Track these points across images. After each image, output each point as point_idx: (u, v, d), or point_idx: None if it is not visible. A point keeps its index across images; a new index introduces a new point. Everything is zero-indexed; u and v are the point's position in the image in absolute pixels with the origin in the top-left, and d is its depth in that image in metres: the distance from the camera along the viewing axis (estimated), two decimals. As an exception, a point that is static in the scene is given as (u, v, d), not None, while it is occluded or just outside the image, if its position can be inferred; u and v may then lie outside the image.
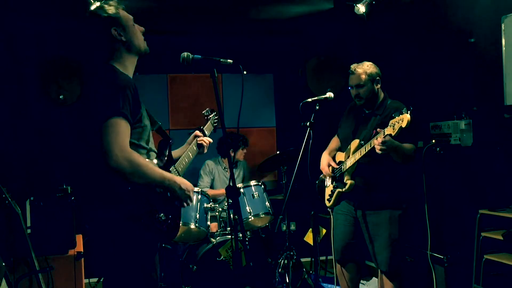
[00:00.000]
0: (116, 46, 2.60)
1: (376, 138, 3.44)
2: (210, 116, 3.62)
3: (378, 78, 3.87)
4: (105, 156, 2.33)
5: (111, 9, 2.60)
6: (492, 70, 4.57)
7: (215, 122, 3.61)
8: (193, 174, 5.89)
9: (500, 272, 4.22)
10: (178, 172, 2.85)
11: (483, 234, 4.24)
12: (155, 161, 2.66)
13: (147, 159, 2.54)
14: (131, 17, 2.68)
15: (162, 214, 2.52)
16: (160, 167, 2.61)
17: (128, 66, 2.64)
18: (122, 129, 2.37)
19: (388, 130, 3.36)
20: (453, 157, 4.88)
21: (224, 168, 5.90)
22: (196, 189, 4.95)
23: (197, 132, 3.24)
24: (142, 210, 2.44)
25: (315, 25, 6.35)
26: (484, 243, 4.26)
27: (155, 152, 2.68)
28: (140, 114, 2.52)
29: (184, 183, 2.62)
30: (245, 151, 5.86)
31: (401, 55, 5.77)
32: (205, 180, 5.82)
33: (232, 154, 5.64)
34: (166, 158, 2.73)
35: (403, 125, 3.24)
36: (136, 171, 2.39)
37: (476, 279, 4.31)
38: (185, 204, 2.65)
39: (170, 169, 2.75)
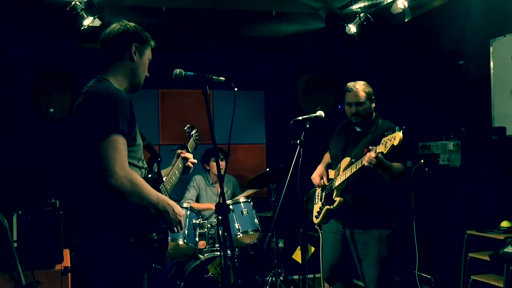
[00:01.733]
0: (123, 58, 2.59)
1: (368, 153, 3.45)
2: (192, 132, 3.61)
3: (373, 97, 3.91)
4: (105, 174, 2.29)
5: (144, 33, 2.66)
6: (481, 92, 4.63)
7: (196, 139, 3.61)
8: (180, 187, 5.88)
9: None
10: (166, 191, 2.83)
11: (470, 254, 4.26)
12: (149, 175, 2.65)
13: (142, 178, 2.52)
14: (151, 57, 2.73)
15: (154, 233, 2.50)
16: (152, 185, 2.59)
17: (122, 85, 2.61)
18: (121, 147, 2.34)
19: (380, 148, 3.38)
20: (441, 178, 4.92)
21: (212, 183, 5.90)
22: (185, 204, 4.94)
23: (179, 151, 3.22)
24: (134, 229, 2.41)
25: (307, 44, 6.41)
26: (471, 264, 4.28)
27: (146, 169, 2.67)
28: (135, 132, 2.50)
29: (177, 207, 2.60)
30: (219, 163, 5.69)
31: (391, 75, 5.84)
32: (191, 193, 5.82)
33: (224, 166, 5.59)
34: (155, 176, 2.72)
35: (395, 143, 3.26)
36: (135, 191, 2.36)
37: (463, 300, 4.32)
38: (174, 229, 2.61)
39: (160, 187, 2.73)
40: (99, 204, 2.42)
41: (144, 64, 2.68)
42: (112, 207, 2.39)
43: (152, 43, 2.72)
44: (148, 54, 2.70)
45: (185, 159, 3.16)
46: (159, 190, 2.65)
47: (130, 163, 2.46)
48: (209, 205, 5.59)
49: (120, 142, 2.34)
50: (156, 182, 2.69)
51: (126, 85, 2.64)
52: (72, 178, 2.56)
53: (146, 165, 2.68)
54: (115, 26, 2.63)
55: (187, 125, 3.65)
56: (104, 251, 2.41)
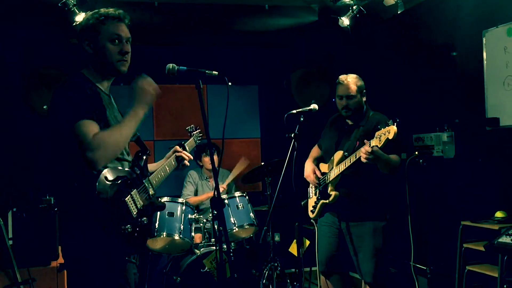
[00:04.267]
0: (87, 56, 2.60)
1: (363, 148, 3.45)
2: (194, 132, 3.59)
3: (364, 90, 3.91)
4: (82, 149, 2.32)
5: (90, 20, 2.59)
6: (474, 83, 4.64)
7: (198, 139, 3.58)
8: (177, 184, 5.88)
9: (482, 283, 4.26)
10: (151, 185, 2.82)
11: (465, 245, 4.28)
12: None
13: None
14: (116, 31, 2.60)
15: (128, 225, 2.47)
16: (134, 178, 2.60)
17: (97, 76, 2.63)
18: (92, 126, 2.38)
19: (375, 142, 3.37)
20: (435, 169, 4.93)
21: (206, 178, 5.90)
22: (180, 200, 4.94)
23: (177, 147, 3.19)
24: (109, 221, 2.40)
25: (300, 37, 6.40)
26: (466, 254, 4.30)
27: (129, 162, 2.67)
28: (105, 121, 2.51)
29: (140, 89, 2.63)
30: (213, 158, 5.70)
31: (385, 67, 5.84)
32: (188, 189, 5.82)
33: (217, 160, 5.61)
34: (139, 170, 2.70)
35: (390, 137, 3.26)
36: (112, 139, 2.40)
37: (458, 290, 4.35)
38: (153, 92, 2.67)
39: (144, 180, 2.72)
40: (75, 199, 2.41)
41: (104, 49, 2.57)
42: (86, 201, 2.37)
43: (111, 15, 2.60)
44: (106, 35, 2.57)
45: (180, 159, 3.15)
46: (142, 184, 2.67)
47: None
48: (208, 194, 5.59)
49: (90, 123, 2.38)
50: (141, 175, 2.69)
51: (103, 74, 2.64)
52: (54, 172, 2.56)
53: (129, 158, 2.69)
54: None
55: (191, 125, 3.63)
56: (80, 241, 2.41)
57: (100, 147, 2.34)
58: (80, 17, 4.86)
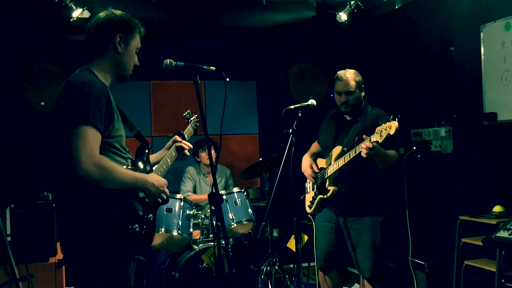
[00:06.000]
0: (108, 50, 2.55)
1: (364, 143, 3.44)
2: (191, 118, 3.52)
3: (363, 86, 3.91)
4: (73, 164, 2.27)
5: (131, 21, 2.60)
6: (472, 78, 4.64)
7: (195, 125, 3.53)
8: (174, 177, 5.88)
9: (480, 277, 4.27)
10: None
11: (463, 240, 4.29)
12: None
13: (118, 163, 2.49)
14: (140, 46, 2.66)
15: (136, 225, 2.46)
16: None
17: (107, 77, 2.58)
18: (91, 137, 2.31)
19: (375, 137, 3.36)
20: (433, 164, 4.93)
21: (204, 174, 5.90)
22: (178, 196, 4.94)
23: (176, 137, 3.16)
24: (116, 222, 2.38)
25: (298, 33, 6.40)
26: (464, 249, 4.30)
27: (131, 158, 2.64)
28: (113, 123, 2.46)
29: (156, 180, 2.58)
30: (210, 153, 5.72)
31: (382, 62, 5.84)
32: (187, 185, 5.82)
33: (215, 156, 5.62)
34: (144, 163, 2.69)
35: (391, 133, 3.24)
36: (107, 176, 2.32)
37: (456, 285, 4.35)
38: (160, 200, 2.61)
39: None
40: (79, 197, 2.37)
41: (131, 54, 2.61)
42: (90, 198, 2.35)
43: (142, 30, 2.65)
44: (135, 43, 2.63)
45: (180, 148, 3.13)
46: None
47: (114, 153, 2.47)
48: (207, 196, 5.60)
49: (90, 133, 2.31)
50: (144, 169, 2.67)
51: (111, 76, 2.60)
52: (54, 171, 2.52)
53: (130, 156, 2.65)
54: (100, 15, 2.59)
55: (187, 111, 3.57)
56: (84, 244, 2.37)
57: (96, 171, 2.29)
58: (77, 13, 4.85)
